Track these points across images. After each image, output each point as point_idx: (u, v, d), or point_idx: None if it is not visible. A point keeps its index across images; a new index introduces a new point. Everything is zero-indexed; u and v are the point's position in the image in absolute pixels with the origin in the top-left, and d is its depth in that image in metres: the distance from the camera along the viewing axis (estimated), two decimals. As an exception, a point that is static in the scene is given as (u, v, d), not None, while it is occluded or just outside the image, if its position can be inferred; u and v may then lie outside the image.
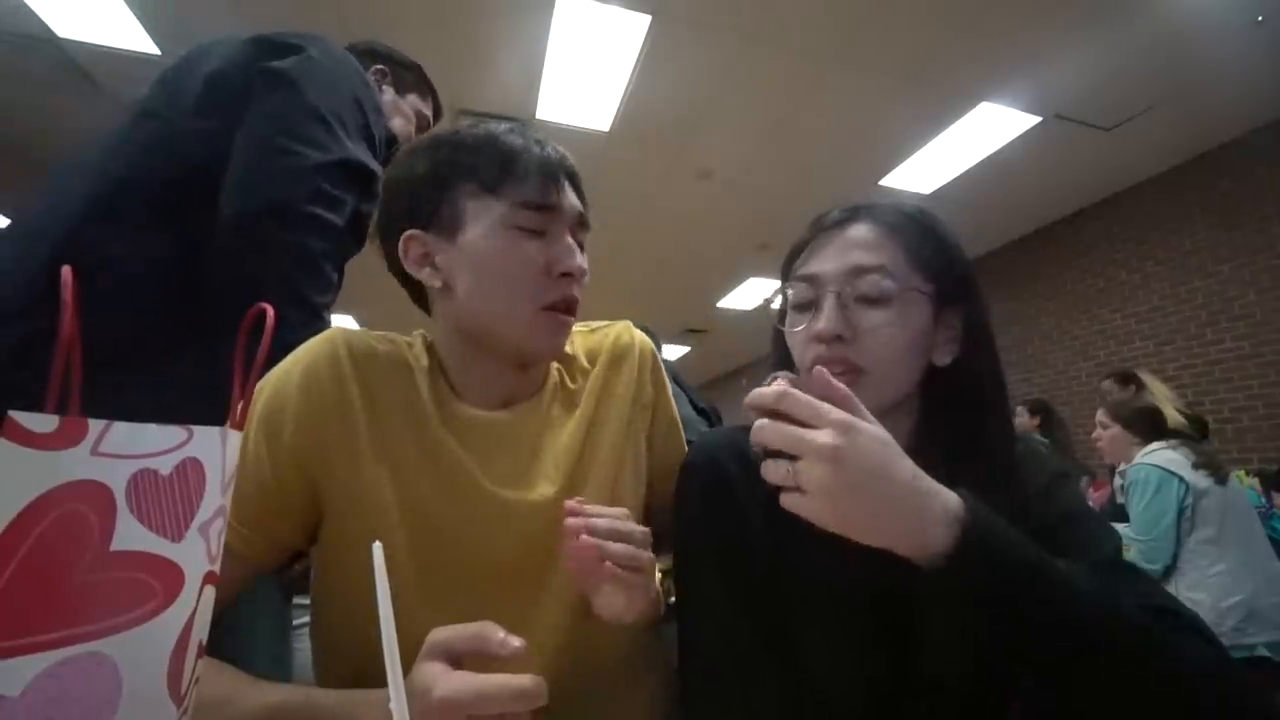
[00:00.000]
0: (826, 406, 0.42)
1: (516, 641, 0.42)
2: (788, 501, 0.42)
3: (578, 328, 0.73)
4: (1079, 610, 0.41)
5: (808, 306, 0.57)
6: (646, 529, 0.53)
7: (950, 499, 0.42)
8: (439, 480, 0.57)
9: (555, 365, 0.69)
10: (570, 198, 0.61)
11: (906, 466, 0.42)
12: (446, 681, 0.39)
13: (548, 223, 0.59)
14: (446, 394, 0.61)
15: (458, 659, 0.42)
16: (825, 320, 0.53)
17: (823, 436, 0.40)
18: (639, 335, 0.74)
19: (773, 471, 0.43)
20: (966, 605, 0.42)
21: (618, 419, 0.67)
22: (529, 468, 0.61)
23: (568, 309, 0.60)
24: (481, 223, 0.57)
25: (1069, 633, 0.40)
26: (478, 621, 0.43)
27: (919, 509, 0.41)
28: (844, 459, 0.40)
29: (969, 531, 0.41)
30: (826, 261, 0.56)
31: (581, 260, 0.60)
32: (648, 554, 0.50)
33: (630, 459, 0.67)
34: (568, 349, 0.69)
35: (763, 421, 0.43)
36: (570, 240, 0.60)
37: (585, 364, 0.70)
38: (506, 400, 0.64)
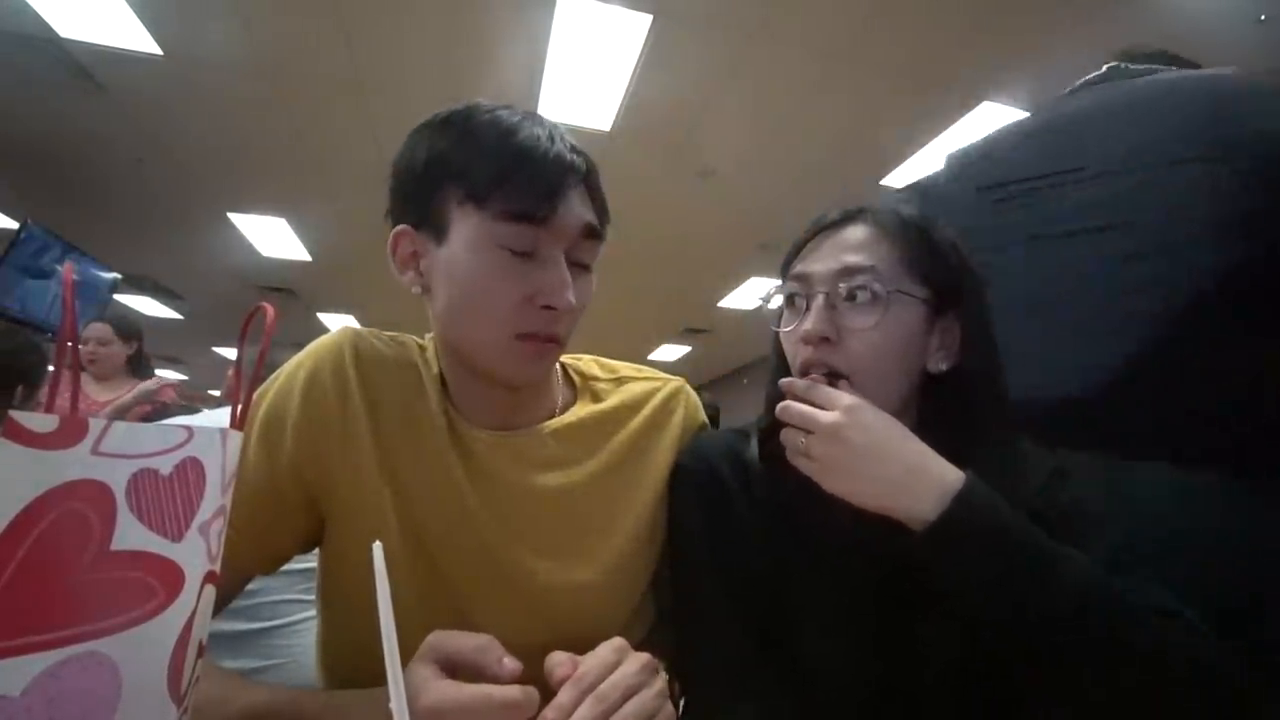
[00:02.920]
0: (838, 394, 0.50)
1: (514, 664, 0.41)
2: (796, 462, 0.51)
3: (630, 370, 0.70)
4: (1069, 588, 0.42)
5: (799, 307, 0.57)
6: (646, 660, 0.45)
7: (951, 474, 0.46)
8: (441, 510, 0.55)
9: (582, 394, 0.66)
10: (573, 208, 0.52)
11: (909, 446, 0.48)
12: (433, 690, 0.39)
13: (537, 240, 0.51)
14: (449, 405, 0.58)
15: (453, 667, 0.42)
16: (811, 322, 0.54)
17: (828, 416, 0.49)
18: (691, 401, 0.69)
19: (790, 440, 0.52)
20: (955, 573, 0.45)
21: (651, 489, 0.62)
22: (538, 523, 0.57)
23: (547, 338, 0.54)
24: (465, 236, 0.51)
25: (1059, 611, 0.41)
26: (482, 635, 0.43)
27: (916, 480, 0.46)
28: (845, 437, 0.48)
29: (960, 499, 0.45)
30: (818, 262, 0.56)
31: (570, 295, 0.52)
32: (653, 694, 0.44)
33: (658, 532, 0.63)
34: (605, 385, 0.67)
35: (787, 402, 0.52)
36: (563, 266, 0.52)
37: (621, 409, 0.65)
38: (508, 420, 0.59)
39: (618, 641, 0.47)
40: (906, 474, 0.47)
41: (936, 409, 0.56)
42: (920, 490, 0.46)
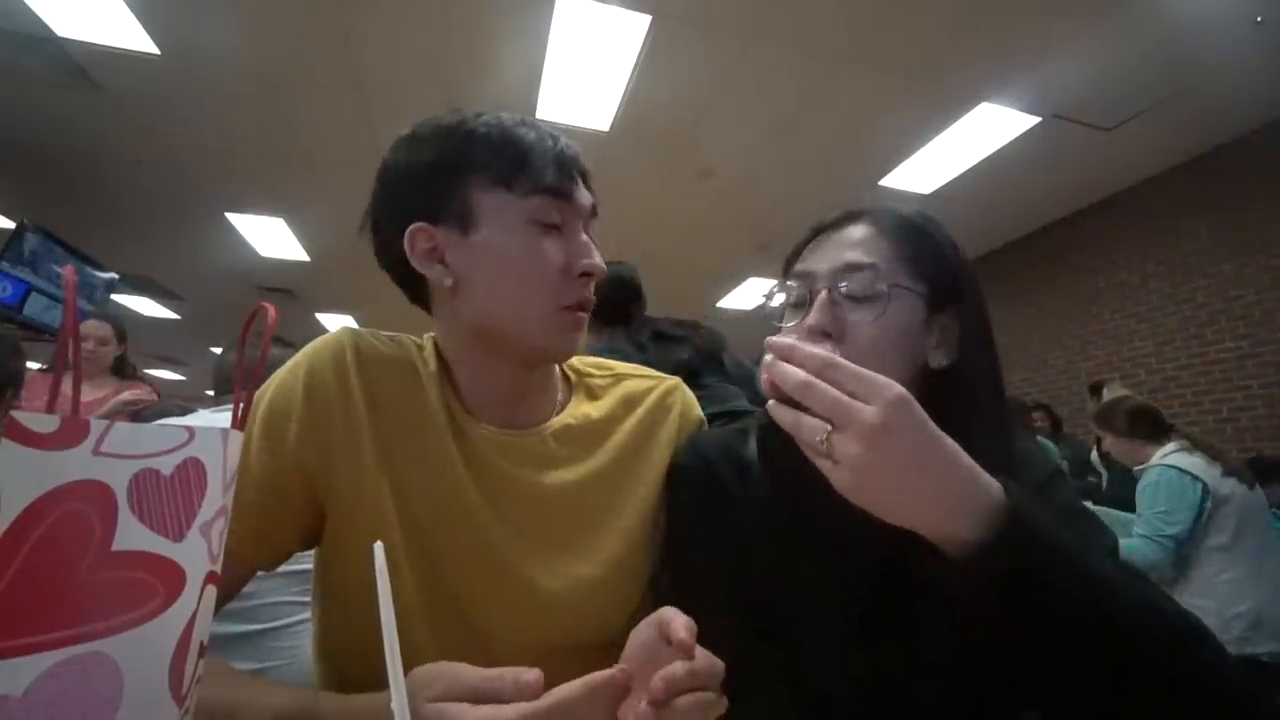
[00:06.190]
0: (879, 379, 0.39)
1: (531, 675, 0.39)
2: (817, 461, 0.41)
3: (626, 368, 0.71)
4: (1116, 607, 0.39)
5: (801, 304, 0.57)
6: (713, 663, 0.42)
7: (991, 488, 0.40)
8: (441, 508, 0.55)
9: (578, 391, 0.67)
10: (584, 191, 0.59)
11: (948, 451, 0.40)
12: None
13: (565, 214, 0.56)
14: (454, 404, 0.59)
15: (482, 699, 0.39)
16: (813, 317, 0.53)
17: (868, 414, 0.38)
18: (687, 399, 0.71)
19: (806, 430, 0.41)
20: (997, 596, 0.40)
21: (650, 486, 0.63)
22: (539, 520, 0.58)
23: (583, 308, 0.58)
24: (498, 219, 0.55)
25: (1104, 631, 0.39)
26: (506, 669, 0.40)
27: (956, 497, 0.40)
28: (886, 442, 0.38)
29: (1010, 528, 0.39)
30: (820, 260, 0.57)
31: (600, 260, 0.58)
32: (714, 685, 0.42)
33: (656, 529, 0.64)
34: (602, 381, 0.68)
35: (809, 379, 0.40)
36: (587, 237, 0.58)
37: (619, 407, 0.66)
38: (514, 415, 0.61)
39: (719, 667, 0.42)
40: (955, 491, 0.40)
41: (936, 403, 0.56)
42: (959, 514, 0.39)
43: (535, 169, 0.55)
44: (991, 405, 0.56)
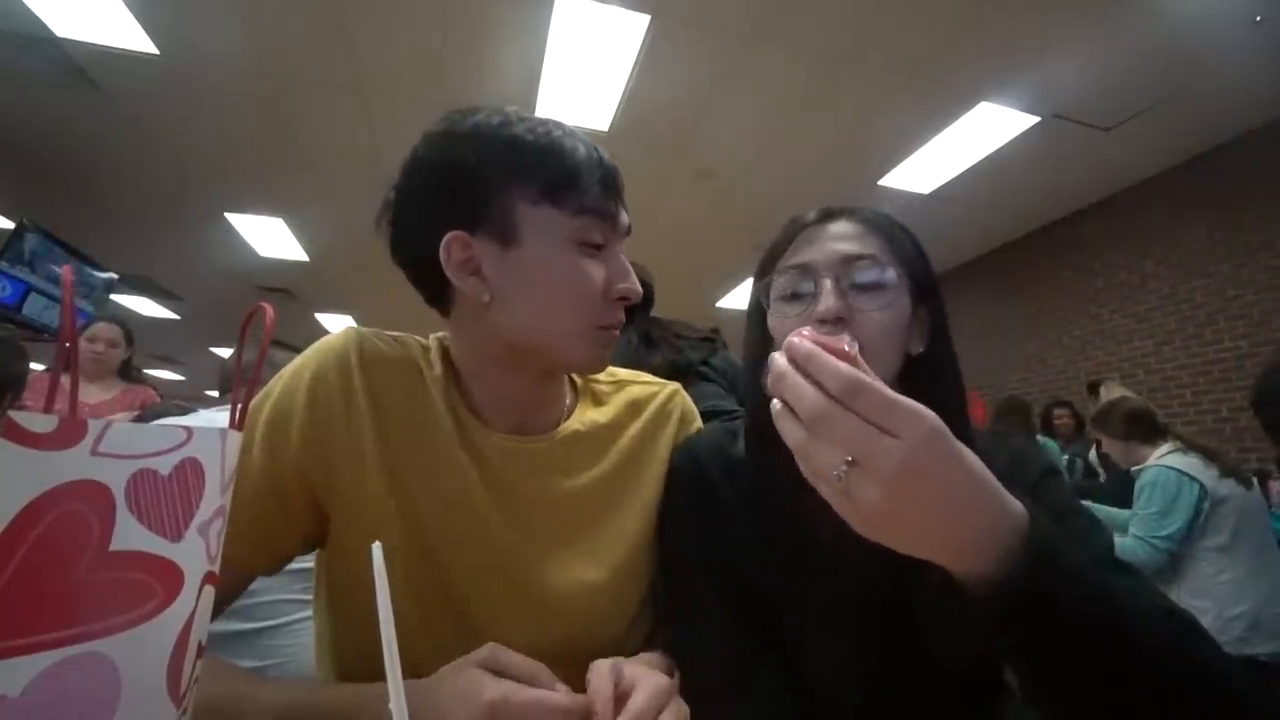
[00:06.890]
0: (910, 408, 0.33)
1: (564, 690, 0.44)
2: (827, 493, 0.36)
3: (628, 375, 0.72)
4: (1135, 640, 0.38)
5: (799, 296, 0.57)
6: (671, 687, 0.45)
7: (1016, 516, 0.37)
8: (450, 513, 0.55)
9: (584, 397, 0.67)
10: (624, 211, 0.58)
11: (976, 484, 0.36)
12: (494, 688, 0.41)
13: (607, 235, 0.56)
14: (461, 409, 0.59)
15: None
16: (826, 302, 0.53)
17: (896, 453, 0.33)
18: (687, 405, 0.72)
19: (820, 462, 0.35)
20: (1015, 626, 0.37)
21: (652, 490, 0.64)
22: (549, 526, 0.58)
23: (617, 327, 0.58)
24: (542, 236, 0.53)
25: (1120, 660, 0.38)
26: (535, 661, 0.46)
27: (978, 534, 0.36)
28: (911, 487, 0.33)
29: (1033, 563, 0.36)
30: (814, 253, 0.57)
31: (637, 284, 0.57)
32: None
33: (655, 531, 0.64)
34: (605, 388, 0.69)
35: (826, 408, 0.34)
36: (624, 259, 0.58)
37: (623, 413, 0.67)
38: (524, 423, 0.61)
39: (661, 684, 0.45)
40: (978, 528, 0.36)
41: (917, 385, 0.56)
42: (988, 544, 0.36)
43: (583, 187, 0.53)
44: (958, 391, 0.59)
